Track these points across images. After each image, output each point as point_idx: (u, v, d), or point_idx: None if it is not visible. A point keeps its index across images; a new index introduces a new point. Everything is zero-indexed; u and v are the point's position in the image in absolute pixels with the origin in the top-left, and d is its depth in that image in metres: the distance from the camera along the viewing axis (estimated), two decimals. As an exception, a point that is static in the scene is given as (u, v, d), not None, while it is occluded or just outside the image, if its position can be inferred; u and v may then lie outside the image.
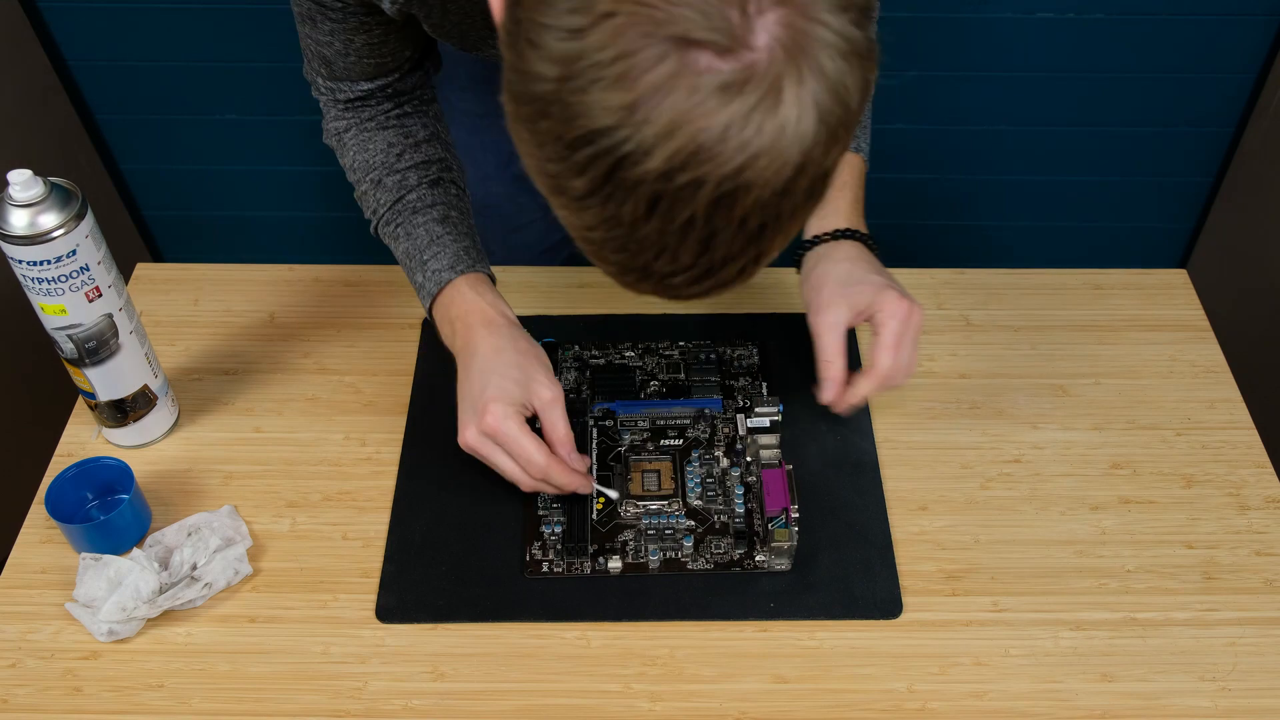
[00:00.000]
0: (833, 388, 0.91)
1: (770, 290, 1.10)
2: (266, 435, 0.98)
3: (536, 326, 1.05)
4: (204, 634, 0.85)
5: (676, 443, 0.96)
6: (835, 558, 0.89)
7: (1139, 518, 0.92)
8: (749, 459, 0.94)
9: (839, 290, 0.91)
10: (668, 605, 0.86)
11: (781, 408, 0.96)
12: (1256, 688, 0.82)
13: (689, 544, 0.89)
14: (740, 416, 0.97)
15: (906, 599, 0.87)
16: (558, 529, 0.90)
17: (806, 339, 1.04)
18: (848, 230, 0.94)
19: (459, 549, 0.90)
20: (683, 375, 1.01)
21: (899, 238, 1.99)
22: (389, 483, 0.94)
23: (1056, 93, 1.77)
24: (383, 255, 1.01)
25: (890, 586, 0.87)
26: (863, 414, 0.99)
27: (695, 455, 0.94)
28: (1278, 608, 0.87)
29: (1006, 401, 1.00)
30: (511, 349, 0.89)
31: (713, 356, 1.02)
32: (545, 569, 0.88)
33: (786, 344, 1.04)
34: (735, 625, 0.85)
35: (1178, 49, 1.71)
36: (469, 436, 0.87)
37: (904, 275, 1.11)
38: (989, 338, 1.06)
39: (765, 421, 0.94)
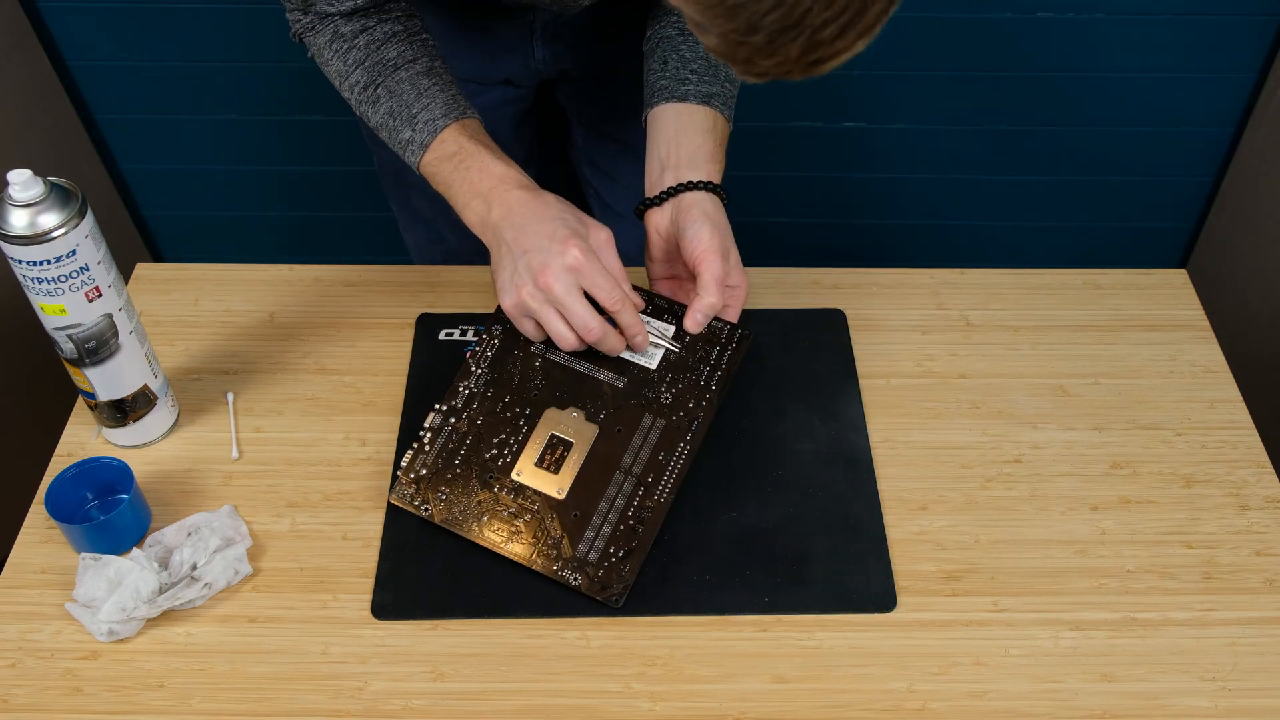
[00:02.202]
0: (701, 317, 0.95)
1: (770, 288, 1.10)
2: (266, 435, 0.98)
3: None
4: (204, 634, 0.85)
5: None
6: (829, 553, 0.89)
7: (1139, 518, 0.92)
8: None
9: (731, 237, 0.96)
10: (663, 601, 0.86)
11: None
12: (1256, 688, 0.82)
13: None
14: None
15: (907, 599, 0.87)
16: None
17: (797, 339, 1.04)
18: (713, 184, 0.97)
19: (453, 546, 0.90)
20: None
21: (899, 237, 1.99)
22: (389, 483, 0.94)
23: (1056, 93, 1.77)
24: (383, 255, 1.02)
25: (884, 580, 0.87)
26: (855, 409, 0.99)
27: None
28: (1278, 608, 0.87)
29: (1006, 401, 1.01)
30: (557, 200, 0.92)
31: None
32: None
33: (778, 342, 1.04)
34: (735, 625, 0.85)
35: (1178, 49, 1.71)
36: (548, 277, 0.88)
37: (904, 275, 1.11)
38: (989, 338, 1.06)
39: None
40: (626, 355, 0.95)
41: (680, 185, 0.96)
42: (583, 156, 1.35)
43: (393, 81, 0.95)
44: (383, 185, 1.33)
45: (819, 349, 1.04)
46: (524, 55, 1.18)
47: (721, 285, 0.94)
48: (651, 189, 0.99)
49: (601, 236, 0.91)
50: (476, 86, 1.20)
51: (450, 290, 1.10)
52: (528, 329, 0.93)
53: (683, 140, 0.97)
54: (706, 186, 0.96)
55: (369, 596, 0.87)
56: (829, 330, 1.05)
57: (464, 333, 1.05)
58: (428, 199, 1.27)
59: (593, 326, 0.90)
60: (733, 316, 0.99)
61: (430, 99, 0.95)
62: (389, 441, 0.97)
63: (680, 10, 0.66)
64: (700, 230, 0.94)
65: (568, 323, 0.90)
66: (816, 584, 0.87)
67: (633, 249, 1.24)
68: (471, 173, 0.93)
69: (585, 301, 0.89)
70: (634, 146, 1.26)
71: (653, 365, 0.94)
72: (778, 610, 0.86)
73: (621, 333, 0.93)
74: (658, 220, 0.98)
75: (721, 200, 0.97)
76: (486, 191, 0.92)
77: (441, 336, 1.05)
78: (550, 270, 0.88)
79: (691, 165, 0.97)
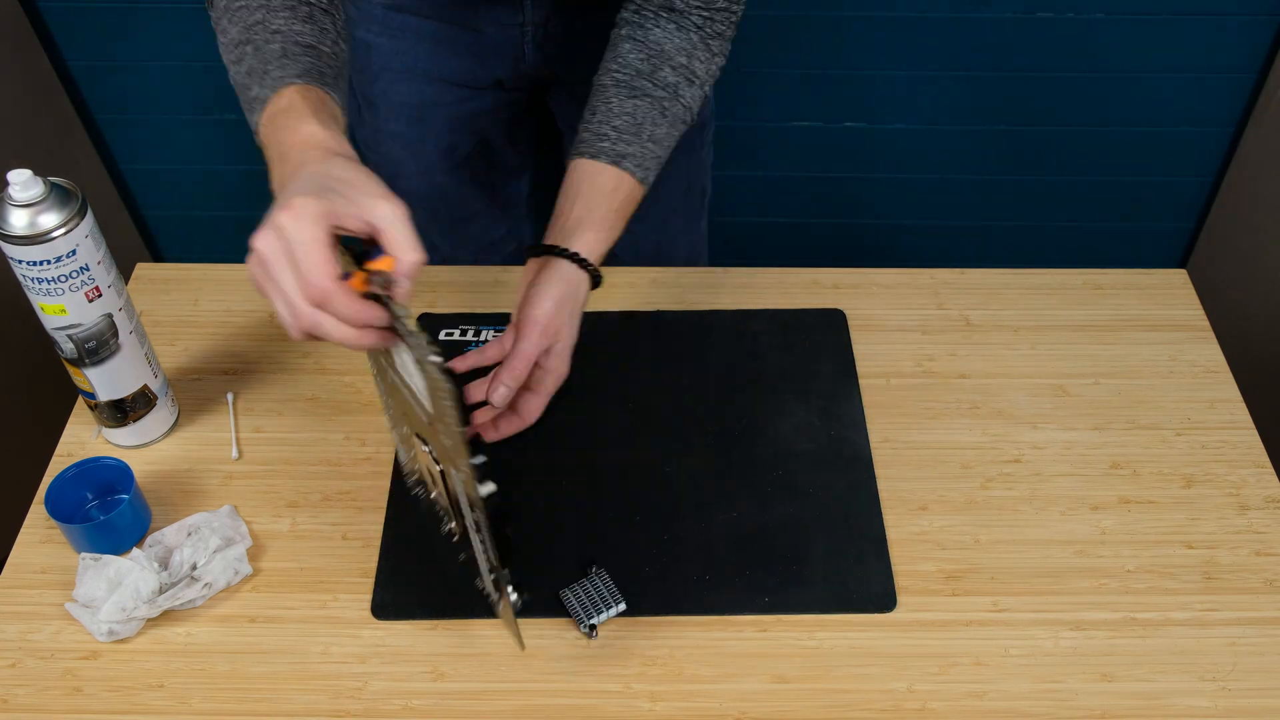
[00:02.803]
0: (511, 383, 0.92)
1: (770, 289, 1.10)
2: (266, 435, 0.98)
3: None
4: (204, 634, 0.85)
5: None
6: (829, 553, 0.89)
7: (1139, 518, 0.92)
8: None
9: (567, 320, 0.94)
10: (663, 600, 0.86)
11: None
12: (1256, 688, 0.82)
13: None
14: None
15: (907, 599, 0.87)
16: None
17: (797, 339, 1.04)
18: (586, 262, 0.94)
19: (454, 546, 0.90)
20: None
21: (899, 237, 1.99)
22: (389, 483, 0.94)
23: (1056, 93, 1.77)
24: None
25: (884, 581, 0.88)
26: (855, 409, 0.99)
27: None
28: (1278, 608, 0.87)
29: (1006, 401, 1.01)
30: (352, 166, 0.74)
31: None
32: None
33: (778, 342, 1.04)
34: (735, 625, 0.85)
35: (1178, 49, 1.71)
36: (258, 239, 0.69)
37: (904, 275, 1.11)
38: (989, 338, 1.06)
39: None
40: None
41: (552, 247, 0.94)
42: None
43: (263, 40, 0.83)
44: None
45: (819, 349, 1.04)
46: (514, 57, 1.18)
47: (528, 360, 0.91)
48: (543, 238, 0.97)
49: (382, 209, 0.70)
50: (469, 91, 1.20)
51: (450, 290, 1.10)
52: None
53: (579, 200, 0.96)
54: (573, 258, 0.94)
55: (369, 596, 0.87)
56: (829, 330, 1.05)
57: (464, 332, 1.06)
58: (423, 210, 1.27)
59: (300, 313, 0.69)
60: (534, 407, 0.95)
61: (292, 61, 0.82)
62: (388, 442, 0.97)
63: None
64: (537, 297, 0.92)
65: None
66: (816, 584, 0.87)
67: (628, 256, 1.25)
68: (283, 134, 0.78)
69: (290, 277, 0.68)
70: None
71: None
72: (778, 610, 0.86)
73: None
74: (526, 272, 0.97)
75: (589, 275, 0.95)
76: (288, 150, 0.77)
77: (442, 336, 1.05)
78: (262, 232, 0.69)
79: (575, 230, 0.95)
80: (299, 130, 0.77)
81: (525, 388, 0.94)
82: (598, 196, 0.96)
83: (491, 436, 0.95)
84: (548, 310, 0.92)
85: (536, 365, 0.93)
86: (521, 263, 1.00)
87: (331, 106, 0.81)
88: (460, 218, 1.29)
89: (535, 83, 1.23)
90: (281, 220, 0.68)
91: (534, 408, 0.95)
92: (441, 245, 1.31)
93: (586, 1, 1.14)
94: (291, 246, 0.68)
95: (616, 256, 1.31)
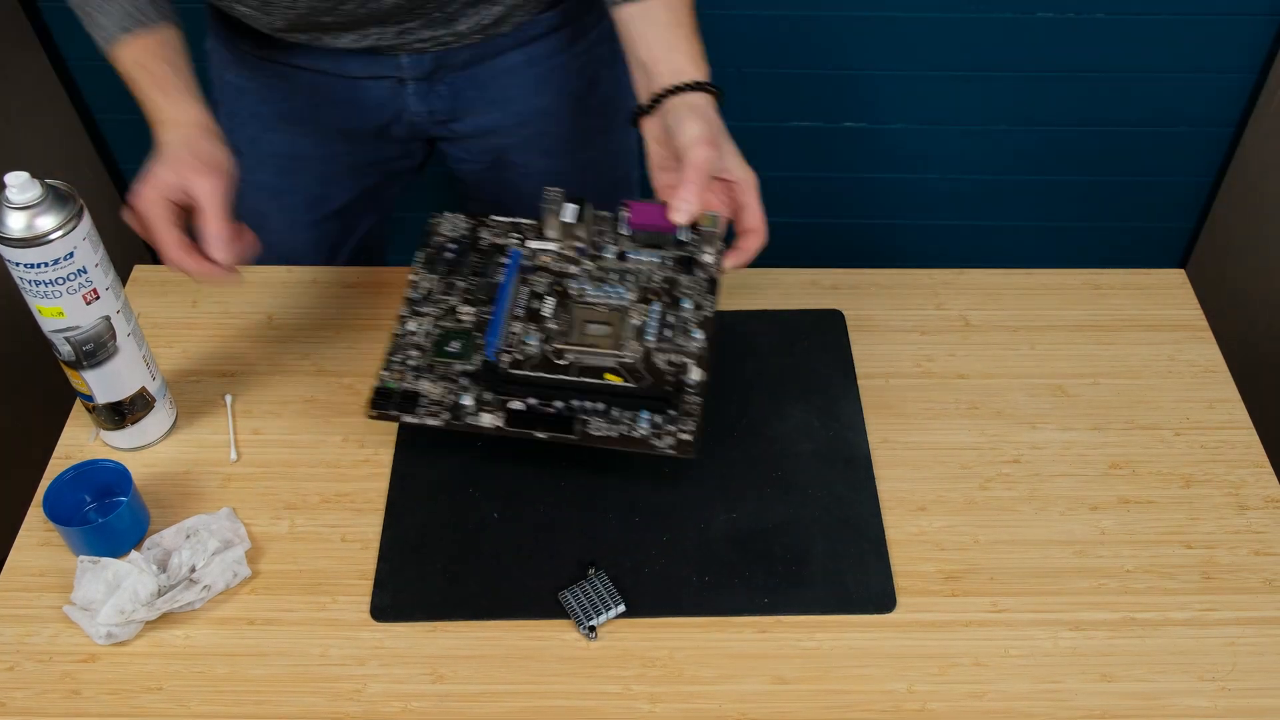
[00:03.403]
0: (687, 216, 0.91)
1: (769, 289, 1.10)
2: (265, 437, 0.98)
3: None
4: (203, 636, 0.85)
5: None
6: (828, 553, 0.89)
7: (1138, 518, 0.92)
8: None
9: (718, 132, 0.93)
10: (662, 601, 0.86)
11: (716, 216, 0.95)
12: (1256, 688, 0.82)
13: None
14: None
15: (906, 599, 0.87)
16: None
17: (796, 340, 1.04)
18: (704, 84, 0.93)
19: (453, 547, 0.90)
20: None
21: (899, 237, 1.99)
22: (387, 484, 0.94)
23: (1056, 93, 1.77)
24: (381, 256, 1.01)
25: (884, 581, 0.87)
26: (855, 410, 0.99)
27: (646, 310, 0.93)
28: (1277, 607, 0.87)
29: (1005, 401, 1.00)
30: (184, 144, 0.90)
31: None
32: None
33: (776, 343, 1.04)
34: (734, 626, 0.85)
35: (1178, 49, 1.71)
36: (126, 215, 0.89)
37: (903, 275, 1.11)
38: (988, 338, 1.06)
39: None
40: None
41: (665, 90, 0.93)
42: (471, 205, 1.30)
43: None
44: None
45: (818, 350, 1.04)
46: (396, 109, 1.15)
47: (704, 172, 0.90)
48: (639, 95, 0.97)
49: (201, 185, 0.88)
50: (347, 144, 1.17)
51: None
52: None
53: (652, 41, 0.95)
54: (691, 87, 0.93)
55: (368, 599, 0.87)
56: (828, 331, 1.05)
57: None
58: (286, 263, 1.24)
59: (180, 264, 0.89)
60: (747, 228, 0.94)
61: (110, 2, 0.93)
62: (387, 444, 0.97)
63: None
64: (683, 125, 0.91)
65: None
66: (816, 585, 0.87)
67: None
68: (140, 91, 0.93)
69: (167, 234, 0.89)
70: (521, 194, 1.22)
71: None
72: (777, 611, 0.86)
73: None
74: (650, 128, 0.96)
75: (712, 95, 0.94)
76: (152, 122, 0.93)
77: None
78: (125, 210, 0.90)
79: (669, 67, 0.94)
80: (174, 101, 0.92)
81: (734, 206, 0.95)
82: (666, 30, 0.94)
83: (734, 262, 0.94)
84: (695, 128, 0.90)
85: (721, 181, 0.94)
86: None
87: (155, 49, 0.93)
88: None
89: (423, 134, 1.20)
90: (134, 204, 0.88)
91: (754, 218, 0.94)
92: None
93: (475, 54, 1.12)
94: (145, 229, 0.88)
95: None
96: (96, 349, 0.89)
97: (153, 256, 0.92)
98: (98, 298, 0.86)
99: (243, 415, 1.00)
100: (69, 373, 0.91)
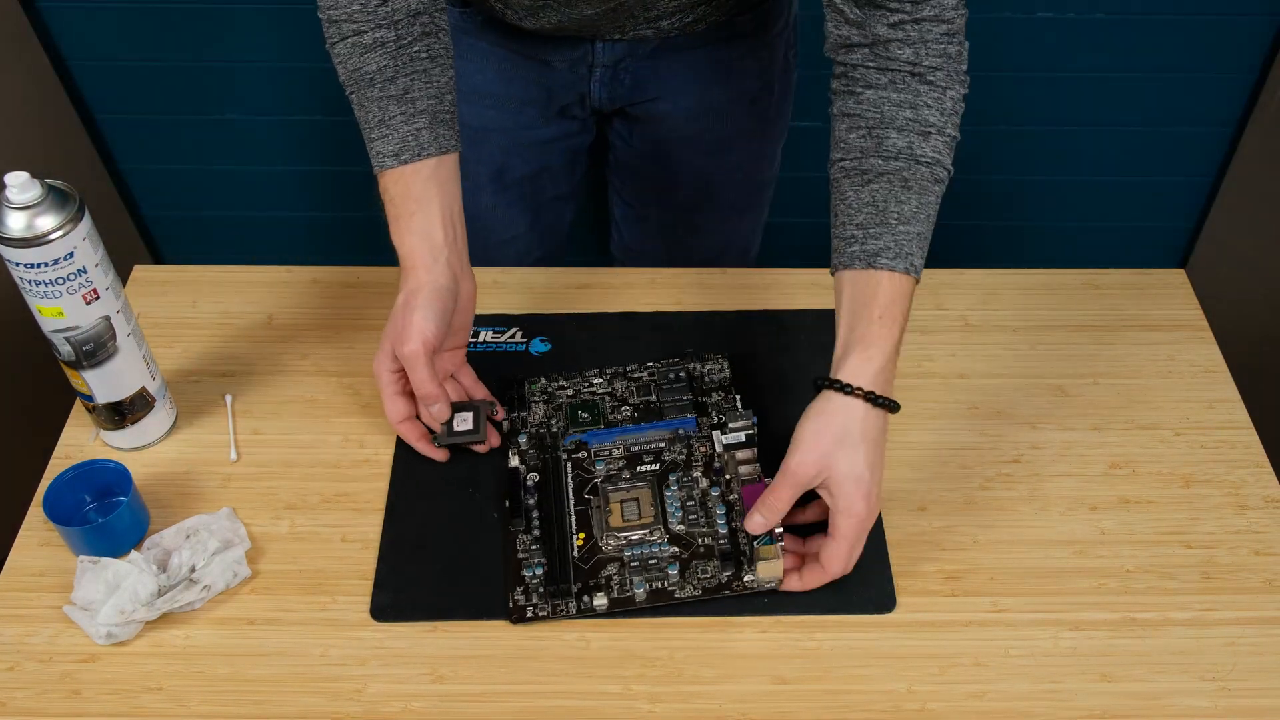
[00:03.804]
0: (766, 522, 0.85)
1: (769, 289, 1.09)
2: (265, 437, 0.98)
3: (529, 325, 1.06)
4: (203, 636, 0.85)
5: (653, 468, 0.93)
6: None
7: (1138, 518, 0.92)
8: (728, 477, 0.92)
9: (834, 456, 0.83)
10: (662, 600, 0.86)
11: (755, 420, 0.92)
12: (1256, 688, 0.82)
13: (674, 572, 0.87)
14: (715, 434, 0.94)
15: (906, 599, 0.87)
16: (539, 570, 0.87)
17: (795, 340, 1.04)
18: (876, 396, 0.84)
19: (453, 547, 0.90)
20: (654, 397, 0.98)
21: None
22: (387, 484, 0.94)
23: (1057, 93, 1.77)
24: (382, 257, 1.01)
25: (884, 582, 0.87)
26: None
27: (673, 479, 0.92)
28: (1277, 607, 0.87)
29: (1005, 401, 1.00)
30: (422, 292, 0.90)
31: (682, 374, 1.00)
32: (530, 614, 0.85)
33: (776, 344, 1.04)
34: (735, 627, 0.85)
35: (1178, 49, 1.71)
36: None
37: (903, 275, 1.11)
38: (988, 338, 1.06)
39: (740, 436, 0.91)
40: None
41: (824, 381, 0.85)
42: (617, 196, 1.35)
43: (364, 96, 0.92)
44: None
45: (819, 349, 1.03)
46: (580, 93, 1.19)
47: (777, 495, 0.85)
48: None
49: (405, 351, 0.89)
50: (530, 118, 1.20)
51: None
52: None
53: (843, 321, 0.87)
54: (834, 386, 0.84)
55: (368, 599, 0.87)
56: (827, 331, 1.05)
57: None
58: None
59: (391, 417, 0.94)
60: (831, 552, 0.85)
61: (390, 129, 0.91)
62: (387, 444, 0.97)
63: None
64: (794, 436, 0.85)
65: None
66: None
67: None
68: (397, 229, 0.92)
69: (389, 397, 0.93)
70: (668, 188, 1.28)
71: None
72: (777, 611, 0.86)
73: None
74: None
75: (864, 400, 0.83)
76: (399, 254, 0.93)
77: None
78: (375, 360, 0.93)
79: (842, 356, 0.86)
80: (401, 239, 0.92)
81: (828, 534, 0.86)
82: (859, 309, 0.86)
83: (794, 586, 0.86)
84: (803, 446, 0.84)
85: (822, 502, 0.86)
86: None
87: (420, 184, 0.91)
88: (500, 239, 1.29)
89: (599, 115, 1.24)
90: (376, 366, 0.93)
91: (831, 553, 0.84)
92: (479, 261, 1.32)
93: (660, 47, 1.14)
94: (380, 388, 0.93)
95: (673, 250, 1.35)
96: (96, 349, 0.89)
97: (154, 256, 0.93)
98: (98, 298, 0.86)
99: (243, 415, 1.00)
100: (69, 373, 0.91)
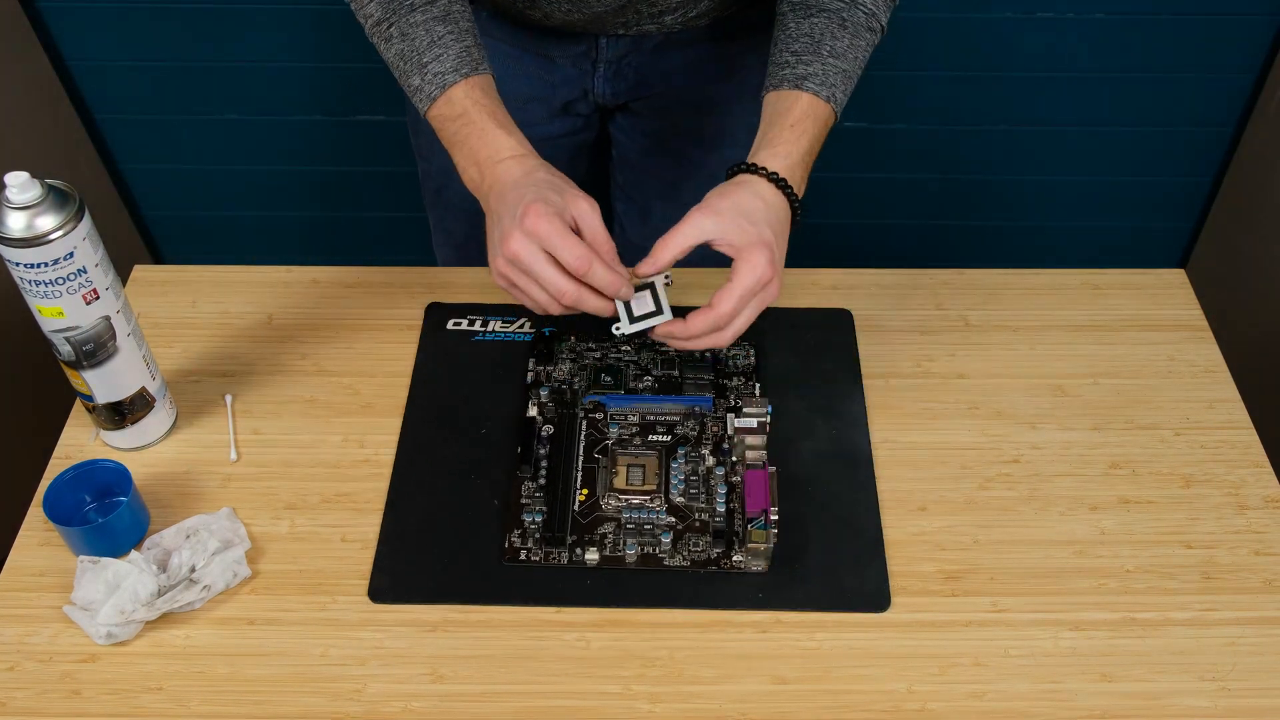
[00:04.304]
0: (651, 267, 0.88)
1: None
2: (265, 437, 0.98)
3: (538, 315, 1.06)
4: (203, 636, 0.85)
5: (664, 439, 0.96)
6: (825, 551, 0.89)
7: (1138, 518, 0.92)
8: (734, 459, 0.94)
9: (731, 212, 0.87)
10: (651, 594, 0.87)
11: (770, 409, 0.95)
12: (1256, 688, 0.82)
13: (667, 540, 0.89)
14: (730, 416, 0.97)
15: (906, 599, 0.87)
16: (538, 518, 0.90)
17: (803, 338, 1.04)
18: (781, 178, 0.90)
19: (451, 533, 0.90)
20: (676, 372, 1.01)
21: (899, 237, 1.99)
22: (387, 485, 0.94)
23: (1056, 93, 1.77)
24: (382, 257, 1.01)
25: (879, 580, 0.87)
26: (858, 409, 0.99)
27: (681, 452, 0.95)
28: (1277, 607, 0.87)
29: (1005, 401, 1.00)
30: (543, 170, 0.90)
31: (708, 355, 1.02)
32: (523, 556, 0.88)
33: (784, 341, 1.04)
34: (734, 626, 0.85)
35: (1178, 49, 1.71)
36: (512, 244, 0.85)
37: (903, 275, 1.11)
38: (988, 338, 1.06)
39: (753, 422, 0.93)
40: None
41: (734, 168, 0.92)
42: (620, 192, 1.35)
43: (407, 23, 0.93)
44: (423, 193, 1.33)
45: (824, 349, 1.04)
46: (584, 88, 1.19)
47: (687, 234, 0.87)
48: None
49: (582, 206, 0.87)
50: (532, 113, 1.20)
51: (450, 291, 1.10)
52: (519, 298, 0.90)
53: (761, 127, 0.94)
54: (749, 169, 0.91)
55: (368, 598, 0.87)
56: (835, 330, 1.06)
57: (472, 323, 1.06)
58: (463, 220, 1.27)
59: (565, 289, 0.86)
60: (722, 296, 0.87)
61: (443, 48, 0.92)
62: (387, 443, 0.97)
63: None
64: (746, 244, 0.87)
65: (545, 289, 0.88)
66: (811, 581, 0.87)
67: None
68: (472, 140, 0.92)
69: (553, 266, 0.86)
70: (671, 182, 1.28)
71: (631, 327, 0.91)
72: (771, 606, 0.86)
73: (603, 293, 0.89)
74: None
75: (776, 184, 0.90)
76: (483, 161, 0.92)
77: (450, 326, 1.06)
78: (513, 238, 0.85)
79: (756, 151, 0.93)
80: (487, 140, 0.91)
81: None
82: (776, 119, 0.93)
83: (677, 330, 0.89)
84: (714, 204, 0.88)
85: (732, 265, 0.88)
86: None
87: (493, 93, 0.93)
88: None
89: (602, 111, 1.24)
90: (528, 225, 0.84)
91: (722, 294, 0.87)
92: (479, 259, 1.31)
93: (664, 42, 1.14)
94: (546, 242, 0.84)
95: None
96: (96, 349, 0.89)
97: (154, 256, 0.92)
98: (98, 298, 0.86)
99: (242, 415, 1.00)
100: (69, 373, 0.91)
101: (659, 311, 0.90)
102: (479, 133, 0.92)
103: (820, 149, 0.96)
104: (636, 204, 1.34)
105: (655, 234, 1.32)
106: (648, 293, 0.90)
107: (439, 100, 0.92)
